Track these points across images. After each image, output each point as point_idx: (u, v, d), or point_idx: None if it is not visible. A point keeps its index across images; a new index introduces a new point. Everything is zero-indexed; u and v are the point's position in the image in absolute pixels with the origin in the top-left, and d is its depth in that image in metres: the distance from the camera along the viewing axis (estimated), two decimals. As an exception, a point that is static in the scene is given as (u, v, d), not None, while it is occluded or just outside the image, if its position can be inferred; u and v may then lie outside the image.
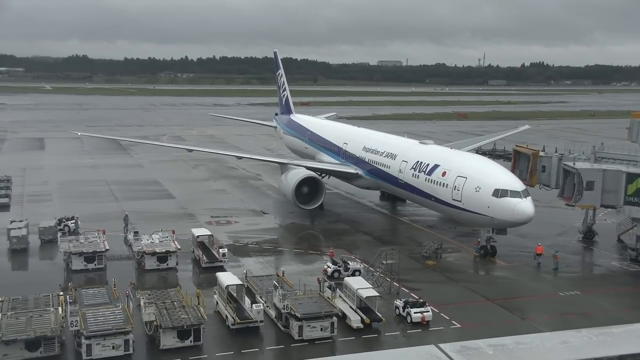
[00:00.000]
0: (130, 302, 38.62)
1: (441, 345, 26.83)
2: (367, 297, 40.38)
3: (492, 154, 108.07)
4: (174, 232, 54.81)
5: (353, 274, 47.59)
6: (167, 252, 50.39)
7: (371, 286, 42.49)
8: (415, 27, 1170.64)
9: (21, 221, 58.26)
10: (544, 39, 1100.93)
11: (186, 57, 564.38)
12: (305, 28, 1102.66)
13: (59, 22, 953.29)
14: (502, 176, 53.48)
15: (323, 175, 75.19)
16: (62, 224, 59.61)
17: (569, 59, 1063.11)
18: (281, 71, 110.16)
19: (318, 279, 44.37)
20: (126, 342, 34.94)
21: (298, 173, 67.99)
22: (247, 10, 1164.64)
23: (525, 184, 55.42)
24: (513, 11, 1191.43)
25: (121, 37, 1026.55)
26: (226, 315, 39.61)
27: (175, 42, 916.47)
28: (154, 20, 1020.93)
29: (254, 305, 39.13)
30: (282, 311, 38.72)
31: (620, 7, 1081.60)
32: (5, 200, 73.05)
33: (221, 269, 48.25)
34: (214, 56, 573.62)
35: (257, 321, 38.67)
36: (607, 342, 27.04)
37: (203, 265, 50.86)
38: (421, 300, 41.67)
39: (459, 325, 40.16)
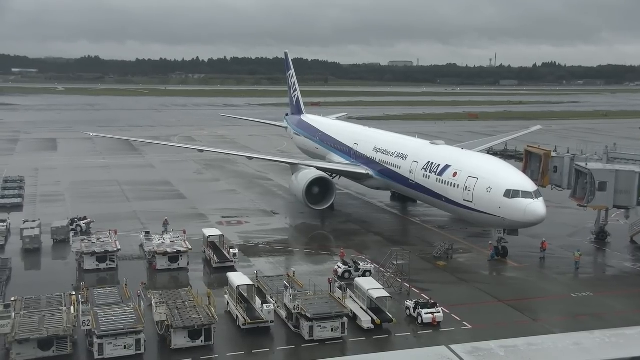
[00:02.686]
0: (142, 302, 38.80)
1: (452, 346, 26.77)
2: (377, 297, 40.36)
3: (504, 154, 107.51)
4: (185, 232, 55.03)
5: (364, 275, 47.56)
6: (178, 252, 50.60)
7: (382, 287, 42.47)
8: (421, 28, 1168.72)
9: (34, 221, 58.71)
10: (551, 39, 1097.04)
11: (197, 57, 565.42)
12: (310, 29, 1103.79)
13: (67, 23, 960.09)
14: (514, 177, 53.25)
15: (334, 175, 75.22)
16: (75, 224, 59.99)
17: (578, 59, 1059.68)
18: (292, 71, 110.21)
19: (329, 279, 44.37)
20: (137, 341, 35.14)
21: (309, 173, 68.02)
22: (251, 11, 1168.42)
23: (536, 184, 55.18)
24: (517, 11, 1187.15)
25: (129, 37, 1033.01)
26: (237, 316, 39.70)
27: (183, 43, 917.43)
28: (160, 21, 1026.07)
29: (264, 305, 39.17)
30: (293, 311, 38.77)
31: (626, 6, 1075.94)
32: (18, 200, 73.57)
33: (232, 269, 48.34)
34: (224, 57, 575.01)
35: (267, 321, 38.74)
36: (620, 344, 26.85)
37: (214, 265, 51.02)
38: (432, 301, 41.56)
39: (470, 326, 40.03)
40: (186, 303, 39.20)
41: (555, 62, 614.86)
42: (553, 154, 61.70)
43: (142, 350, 35.37)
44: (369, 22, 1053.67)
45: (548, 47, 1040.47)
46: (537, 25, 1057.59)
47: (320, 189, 67.19)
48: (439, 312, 40.45)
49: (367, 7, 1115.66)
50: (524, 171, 60.37)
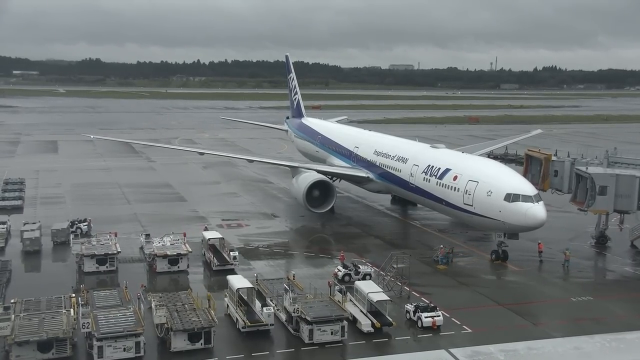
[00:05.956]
0: (142, 305, 38.76)
1: (452, 350, 26.82)
2: (377, 301, 40.35)
3: (504, 158, 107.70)
4: (185, 235, 55.00)
5: (364, 278, 47.51)
6: (178, 254, 50.62)
7: (382, 290, 42.44)
8: (417, 31, 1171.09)
9: (34, 223, 58.69)
10: (548, 43, 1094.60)
11: (198, 60, 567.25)
12: (307, 31, 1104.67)
13: (65, 25, 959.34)
14: (514, 180, 53.24)
15: (334, 178, 75.21)
16: (75, 226, 59.96)
17: (578, 63, 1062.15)
18: (292, 75, 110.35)
19: (329, 282, 44.27)
20: (137, 344, 35.09)
21: (309, 177, 68.05)
22: (245, 14, 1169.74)
23: (537, 188, 55.14)
24: (511, 15, 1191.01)
25: (128, 40, 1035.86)
26: (237, 318, 39.67)
27: (181, 46, 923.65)
28: (157, 24, 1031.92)
29: (264, 308, 39.12)
30: (293, 314, 38.73)
31: (619, 11, 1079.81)
32: (19, 202, 73.59)
33: (232, 272, 48.34)
34: (225, 59, 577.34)
35: (267, 324, 38.70)
36: (620, 349, 26.85)
37: (214, 268, 51.01)
38: (432, 305, 41.53)
39: (470, 330, 39.91)
40: (186, 306, 39.17)
41: (555, 67, 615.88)
42: (553, 158, 61.67)
43: (142, 353, 35.32)
44: (365, 25, 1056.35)
45: (546, 51, 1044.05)
46: (533, 29, 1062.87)
47: (320, 192, 67.19)
48: (439, 316, 40.40)
49: (361, 10, 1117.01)
50: (525, 175, 60.32)
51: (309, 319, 37.49)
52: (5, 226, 59.39)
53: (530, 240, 56.89)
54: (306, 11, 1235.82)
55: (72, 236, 57.23)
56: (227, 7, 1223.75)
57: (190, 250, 51.56)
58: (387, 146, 73.25)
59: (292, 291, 40.28)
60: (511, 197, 50.71)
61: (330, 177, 72.59)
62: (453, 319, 41.39)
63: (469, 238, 61.87)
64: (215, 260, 51.24)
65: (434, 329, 39.74)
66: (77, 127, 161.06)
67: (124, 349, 34.74)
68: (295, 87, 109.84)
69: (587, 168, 57.31)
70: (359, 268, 49.17)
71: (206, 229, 58.47)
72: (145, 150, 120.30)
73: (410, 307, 41.44)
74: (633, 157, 59.04)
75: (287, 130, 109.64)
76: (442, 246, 55.08)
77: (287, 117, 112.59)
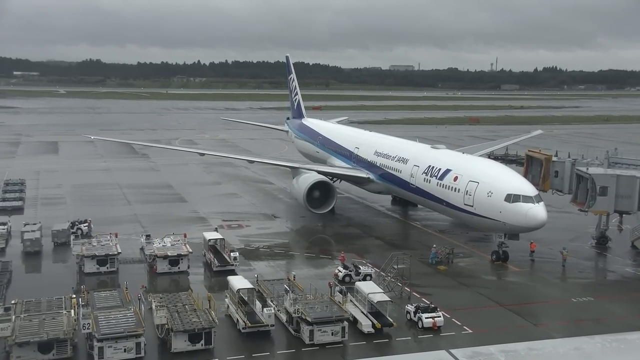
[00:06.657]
0: (142, 305, 38.79)
1: (452, 350, 26.75)
2: (378, 301, 40.39)
3: (505, 158, 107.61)
4: (185, 236, 55.01)
5: (364, 279, 47.53)
6: (179, 255, 50.65)
7: (382, 291, 42.49)
8: (417, 32, 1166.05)
9: (35, 224, 58.72)
10: (548, 44, 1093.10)
11: (199, 61, 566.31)
12: (306, 32, 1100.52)
13: (66, 26, 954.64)
14: (515, 181, 53.28)
15: (334, 179, 75.21)
16: (75, 227, 59.98)
17: (579, 64, 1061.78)
18: (293, 75, 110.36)
19: (329, 283, 44.25)
20: (138, 345, 35.12)
21: (309, 177, 68.07)
22: (244, 14, 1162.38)
23: (537, 189, 55.17)
24: (510, 16, 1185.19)
25: (128, 41, 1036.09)
26: (237, 319, 39.69)
27: (181, 46, 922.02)
28: (157, 25, 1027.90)
29: (265, 309, 39.13)
30: (293, 315, 38.76)
31: (618, 12, 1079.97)
32: (19, 203, 73.63)
33: (232, 272, 48.39)
34: (226, 60, 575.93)
35: (268, 325, 38.71)
36: (621, 349, 26.80)
37: (214, 268, 51.03)
38: (432, 305, 41.54)
39: (470, 331, 39.99)
40: (186, 306, 39.20)
41: (556, 67, 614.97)
42: (554, 158, 61.74)
43: (142, 354, 35.35)
44: (365, 25, 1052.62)
45: (546, 52, 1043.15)
46: (532, 30, 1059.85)
47: (321, 192, 67.21)
48: (440, 317, 40.44)
49: (361, 11, 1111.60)
50: (525, 176, 60.38)
51: (309, 319, 37.51)
52: (5, 227, 59.40)
53: (530, 241, 56.92)
54: (306, 12, 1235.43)
55: (72, 237, 57.22)
56: (227, 8, 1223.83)
57: (190, 250, 51.64)
58: (387, 147, 73.28)
59: (292, 292, 40.30)
60: (512, 198, 50.75)
61: (330, 177, 72.64)
62: (453, 319, 41.42)
63: (469, 239, 61.86)
64: (216, 261, 51.26)
65: (434, 329, 39.79)
66: (78, 127, 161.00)
67: (125, 350, 34.77)
68: (295, 88, 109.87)
69: (587, 169, 57.34)
70: (360, 269, 49.18)
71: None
72: (145, 151, 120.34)
73: (410, 307, 41.46)
74: (634, 158, 59.13)
75: (287, 131, 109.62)
76: (434, 245, 55.06)
77: (288, 118, 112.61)
